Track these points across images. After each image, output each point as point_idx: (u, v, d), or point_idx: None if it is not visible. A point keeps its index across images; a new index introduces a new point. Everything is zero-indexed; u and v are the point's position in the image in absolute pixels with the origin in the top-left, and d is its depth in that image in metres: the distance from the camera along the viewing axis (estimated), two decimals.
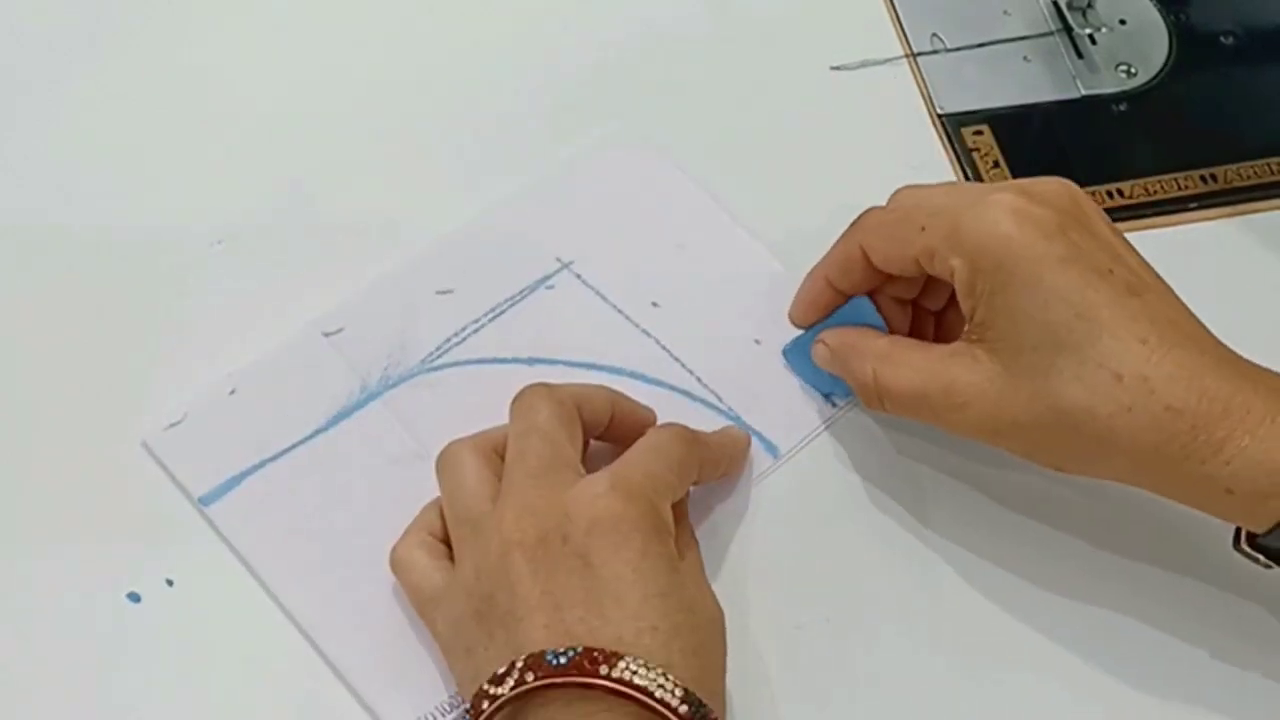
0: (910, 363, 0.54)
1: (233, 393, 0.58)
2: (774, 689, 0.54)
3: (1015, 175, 0.66)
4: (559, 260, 0.62)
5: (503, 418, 0.54)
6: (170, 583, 0.55)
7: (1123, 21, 0.72)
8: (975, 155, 0.67)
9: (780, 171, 0.66)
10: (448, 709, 0.52)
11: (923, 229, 0.53)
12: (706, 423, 0.57)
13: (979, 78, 0.69)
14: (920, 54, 0.70)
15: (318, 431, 0.57)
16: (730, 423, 0.59)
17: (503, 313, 0.60)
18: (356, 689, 0.53)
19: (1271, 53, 0.71)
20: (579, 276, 0.62)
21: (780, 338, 0.60)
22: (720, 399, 0.59)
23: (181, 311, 0.61)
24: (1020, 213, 0.51)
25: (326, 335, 0.59)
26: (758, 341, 0.60)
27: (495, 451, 0.53)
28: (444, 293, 0.61)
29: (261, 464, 0.56)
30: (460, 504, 0.52)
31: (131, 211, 0.63)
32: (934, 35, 0.71)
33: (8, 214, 0.63)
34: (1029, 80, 0.70)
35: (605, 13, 0.70)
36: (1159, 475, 0.51)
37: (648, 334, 0.60)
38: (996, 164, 0.67)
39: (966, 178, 0.66)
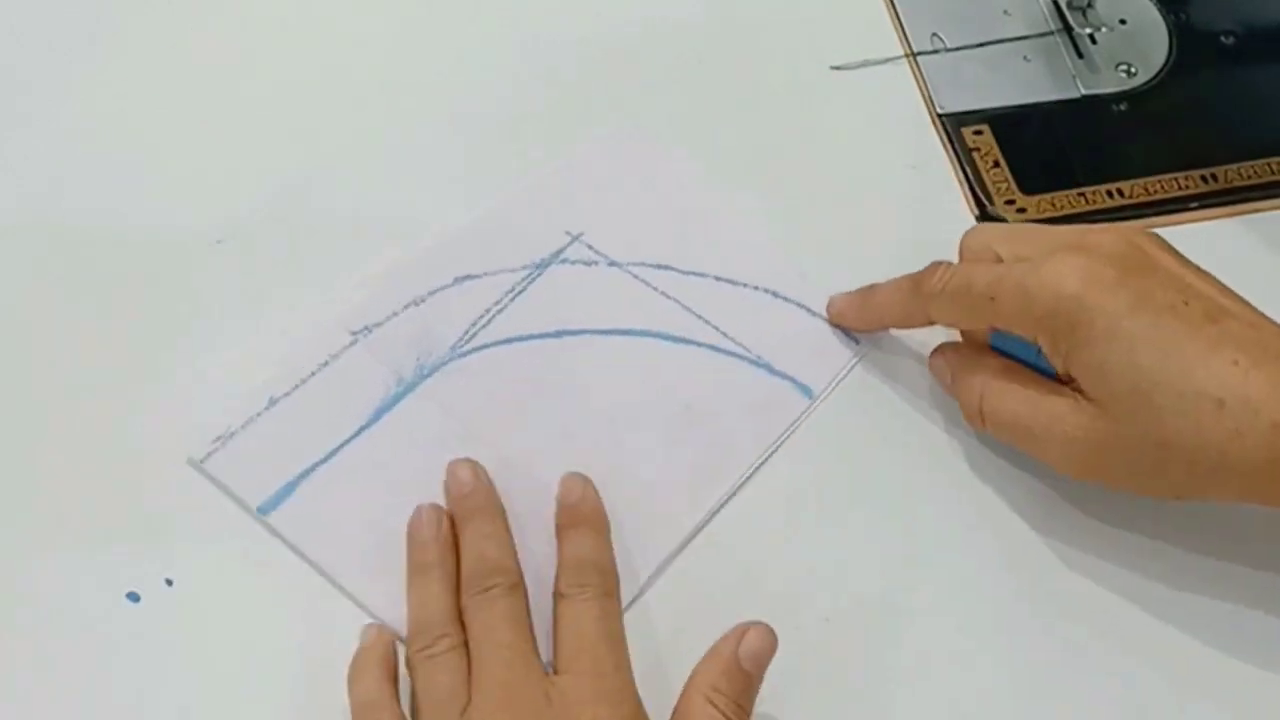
0: (1016, 393, 0.55)
1: (272, 402, 0.58)
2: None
3: (1015, 175, 0.66)
4: (568, 233, 0.63)
5: (535, 393, 0.58)
6: (170, 583, 0.55)
7: (1123, 21, 0.72)
8: (975, 155, 0.67)
9: (780, 171, 0.66)
10: None
11: (992, 299, 0.54)
12: (739, 373, 0.60)
13: (979, 77, 0.70)
14: (920, 54, 0.70)
15: (362, 429, 0.58)
16: (757, 373, 0.60)
17: (522, 291, 0.61)
18: None
19: (1271, 53, 0.71)
20: (590, 246, 0.63)
21: (792, 291, 0.62)
22: (747, 349, 0.60)
23: (183, 311, 0.61)
24: (1082, 270, 0.52)
25: (354, 334, 0.60)
26: (774, 294, 0.62)
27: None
28: (462, 279, 0.61)
29: (313, 467, 0.57)
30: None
31: (133, 209, 0.63)
32: (934, 35, 0.71)
33: (8, 214, 0.63)
34: (1029, 80, 0.70)
35: (605, 12, 0.70)
36: (1274, 490, 0.50)
37: (665, 295, 0.62)
38: (996, 164, 0.67)
39: (966, 178, 0.66)
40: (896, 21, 0.71)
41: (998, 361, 0.57)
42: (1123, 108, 0.69)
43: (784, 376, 0.60)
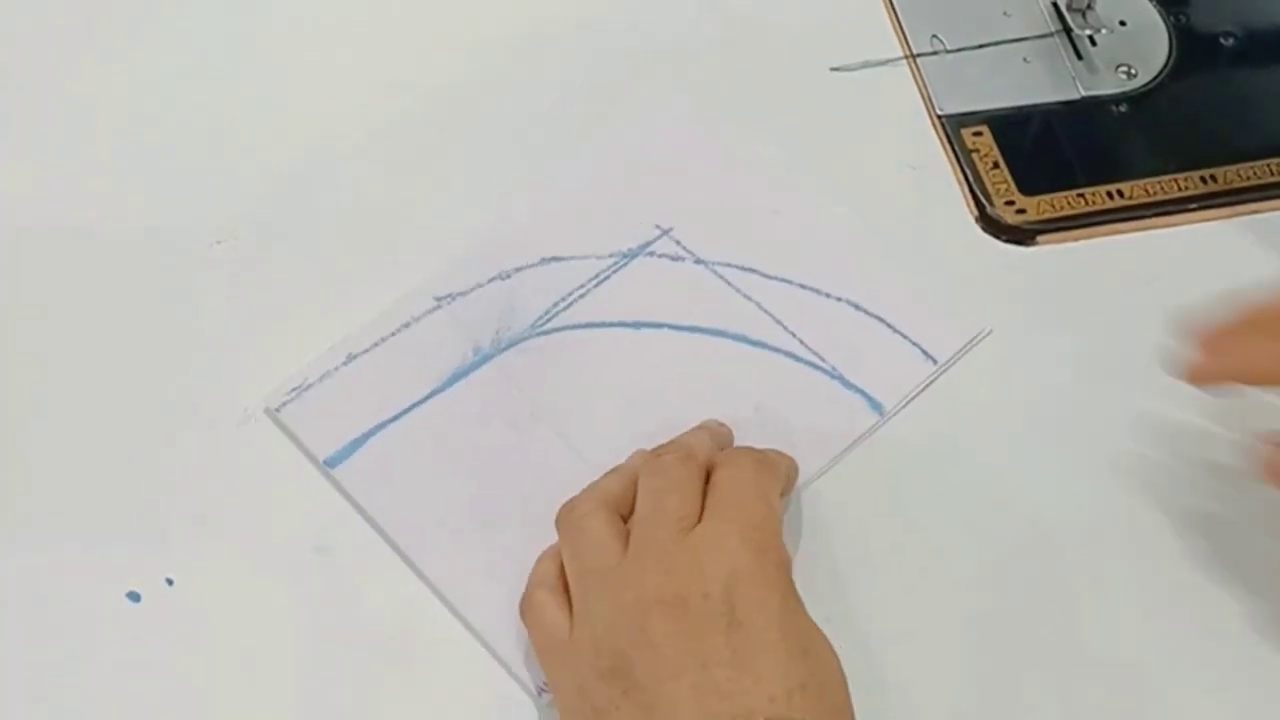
0: None
1: (350, 359, 0.59)
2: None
3: (1015, 176, 0.66)
4: (658, 228, 0.63)
5: (607, 381, 0.59)
6: (170, 582, 0.55)
7: (1123, 23, 0.72)
8: (975, 156, 0.67)
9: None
10: None
11: None
12: (812, 382, 0.60)
13: (979, 79, 0.70)
14: (920, 55, 0.70)
15: (434, 393, 0.58)
16: (828, 383, 0.60)
17: (607, 279, 0.62)
18: (490, 646, 0.54)
19: (1271, 53, 0.71)
20: (679, 242, 0.63)
21: (874, 304, 0.61)
22: (823, 358, 0.60)
23: (184, 311, 0.61)
24: None
25: (438, 300, 0.60)
26: (855, 305, 0.62)
27: (616, 507, 0.53)
28: (549, 260, 0.62)
29: (383, 425, 0.58)
30: (589, 556, 0.51)
31: (132, 208, 0.63)
32: (934, 36, 0.71)
33: (8, 213, 0.63)
34: (1029, 81, 0.70)
35: (605, 15, 0.70)
36: None
37: (747, 297, 0.62)
38: (996, 165, 0.67)
39: (966, 179, 0.66)
40: (896, 23, 0.71)
41: None
42: (1122, 109, 0.69)
43: (857, 390, 0.60)
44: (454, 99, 0.67)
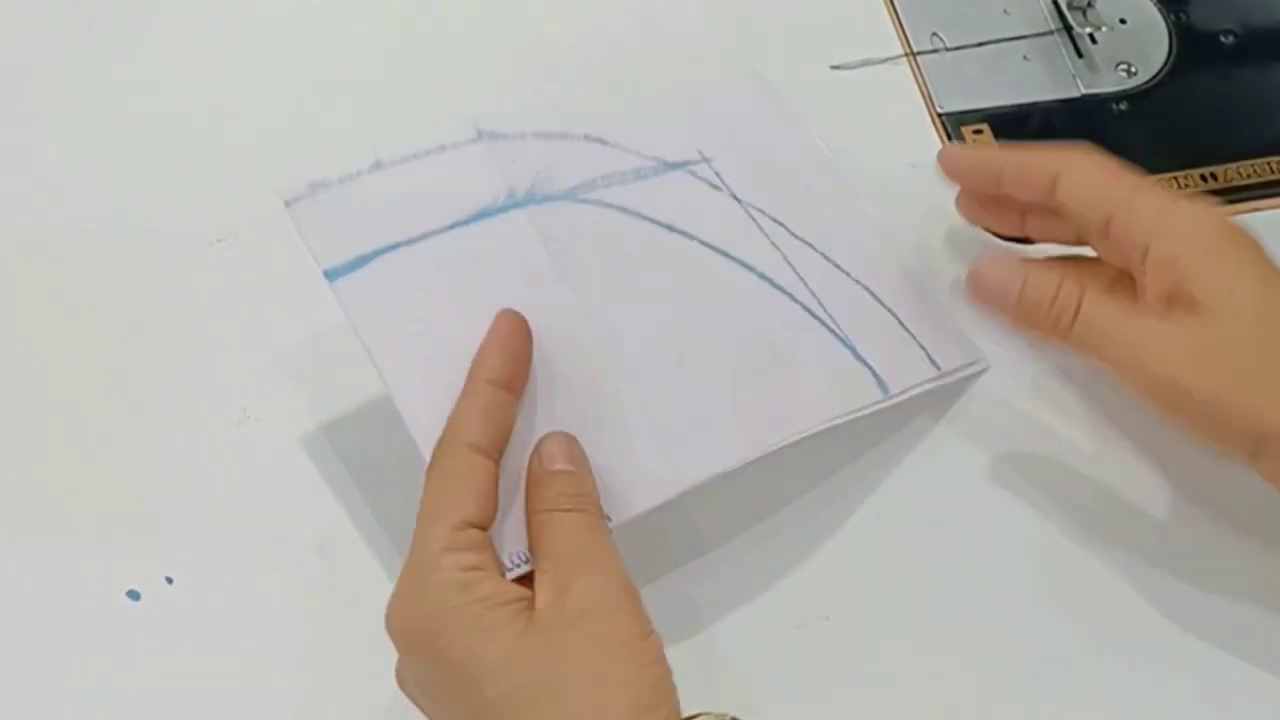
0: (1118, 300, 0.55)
1: (376, 166, 0.55)
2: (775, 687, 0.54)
3: None
4: (700, 154, 0.61)
5: (635, 268, 0.56)
6: (170, 580, 0.55)
7: (1123, 21, 0.72)
8: None
9: None
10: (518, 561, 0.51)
11: (1134, 188, 0.55)
12: (827, 343, 0.58)
13: (979, 77, 0.70)
14: (920, 53, 0.70)
15: (457, 224, 0.55)
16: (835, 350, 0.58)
17: (647, 178, 0.59)
18: None
19: (1271, 52, 0.71)
20: (718, 174, 0.61)
21: (890, 298, 0.60)
22: (838, 325, 0.59)
23: (184, 312, 0.61)
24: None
25: (480, 132, 0.57)
26: (872, 294, 0.60)
27: None
28: (593, 139, 0.59)
29: (394, 246, 0.54)
30: None
31: (132, 208, 0.63)
32: (934, 34, 0.71)
33: (8, 213, 0.63)
34: (1029, 79, 0.70)
35: (605, 12, 0.70)
36: None
37: (775, 245, 0.60)
38: None
39: None
40: (896, 21, 0.71)
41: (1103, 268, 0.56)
42: (1122, 107, 0.69)
43: (864, 364, 0.58)
44: (457, 99, 0.67)
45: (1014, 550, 0.57)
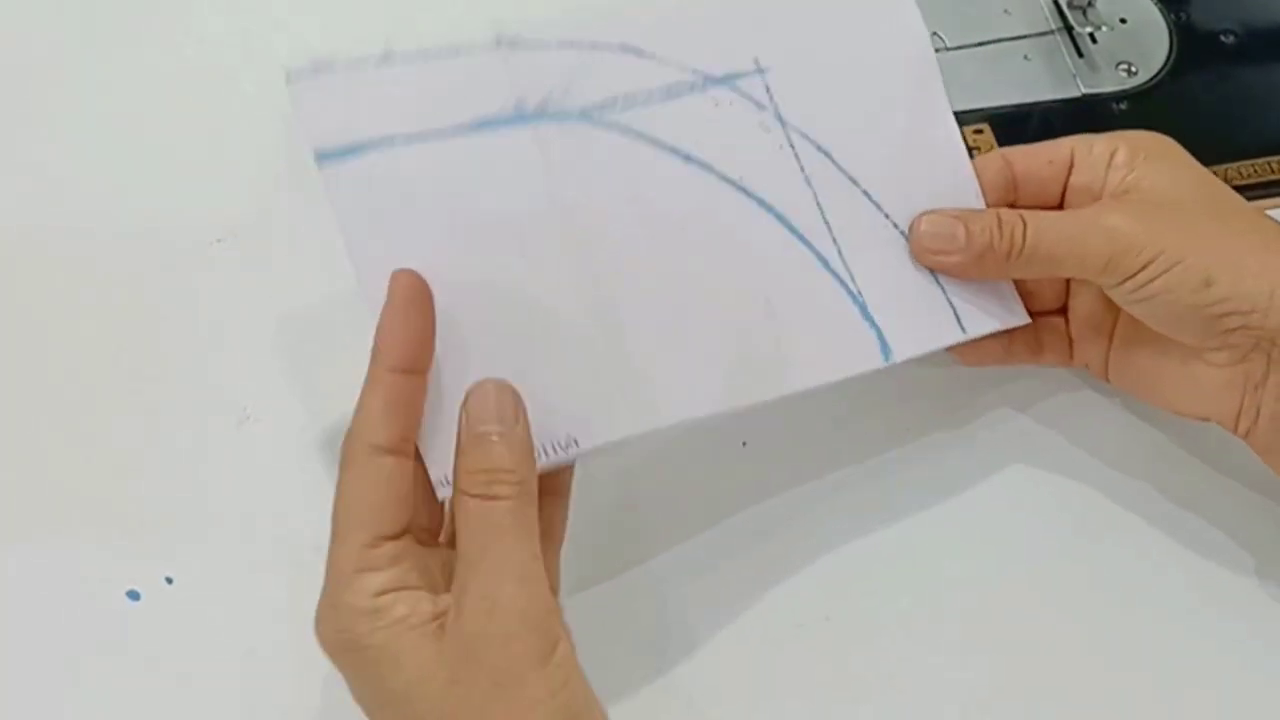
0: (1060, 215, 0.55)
1: (385, 57, 0.52)
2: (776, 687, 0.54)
3: None
4: (755, 63, 0.57)
5: (635, 202, 0.53)
6: (170, 580, 0.55)
7: (1123, 20, 0.72)
8: (975, 154, 0.67)
9: None
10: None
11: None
12: (834, 300, 0.55)
13: (979, 76, 0.69)
14: None
15: (458, 131, 0.53)
16: (840, 304, 0.55)
17: (678, 96, 0.55)
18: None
19: (1272, 52, 0.71)
20: (768, 88, 0.56)
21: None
22: (853, 279, 0.55)
23: (184, 311, 0.61)
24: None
25: (499, 39, 0.54)
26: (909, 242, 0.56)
27: None
28: (629, 49, 0.55)
29: (389, 140, 0.52)
30: None
31: (130, 208, 0.63)
32: (934, 34, 0.71)
33: (8, 213, 0.63)
34: (1029, 79, 0.70)
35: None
36: None
37: (808, 182, 0.56)
38: None
39: None
40: None
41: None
42: (1123, 107, 0.69)
43: (873, 325, 0.55)
44: None
45: (1015, 551, 0.57)
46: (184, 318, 0.61)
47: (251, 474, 0.57)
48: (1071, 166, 0.56)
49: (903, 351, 0.55)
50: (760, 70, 0.57)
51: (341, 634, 0.46)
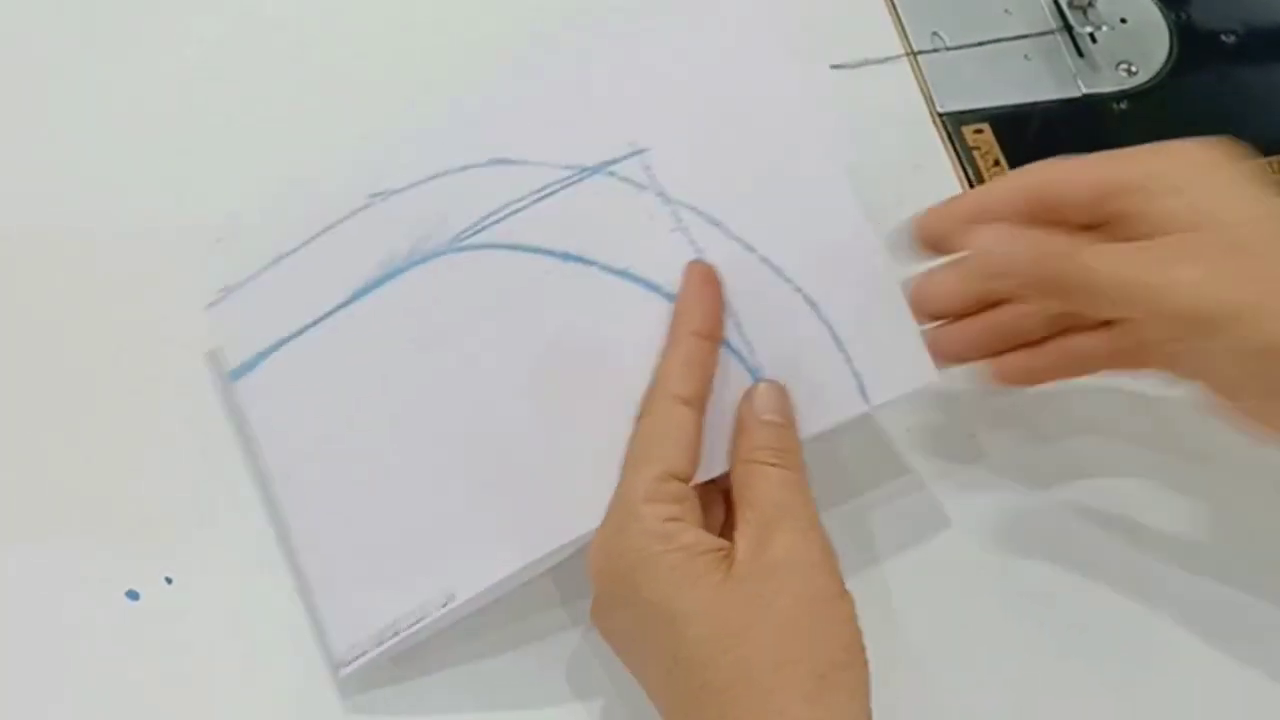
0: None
1: (277, 259, 0.55)
2: None
3: None
4: (631, 146, 0.55)
5: (516, 318, 0.53)
6: (169, 581, 0.55)
7: (1124, 20, 0.72)
8: (975, 154, 0.67)
9: None
10: (389, 635, 0.51)
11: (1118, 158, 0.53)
12: (731, 371, 0.53)
13: (979, 76, 0.70)
14: (921, 52, 0.70)
15: (336, 308, 0.54)
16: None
17: (552, 194, 0.54)
18: (313, 591, 0.53)
19: (1272, 52, 0.71)
20: (647, 168, 0.54)
21: (839, 308, 0.53)
22: (752, 352, 0.53)
23: (183, 311, 0.61)
24: None
25: (371, 197, 0.55)
26: (813, 305, 0.54)
27: None
28: (499, 162, 0.55)
29: (287, 339, 0.54)
30: None
31: (131, 207, 0.63)
32: (934, 34, 0.71)
33: (8, 213, 0.63)
34: (1030, 79, 0.70)
35: (602, 11, 0.70)
36: None
37: (701, 256, 0.53)
38: (997, 162, 0.67)
39: (967, 177, 0.66)
40: (896, 20, 0.71)
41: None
42: (1123, 106, 0.69)
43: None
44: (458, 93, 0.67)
45: (1016, 551, 0.57)
46: (184, 318, 0.60)
47: (252, 474, 0.57)
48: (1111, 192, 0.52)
49: (807, 429, 0.52)
50: (638, 151, 0.55)
51: (632, 554, 0.48)
